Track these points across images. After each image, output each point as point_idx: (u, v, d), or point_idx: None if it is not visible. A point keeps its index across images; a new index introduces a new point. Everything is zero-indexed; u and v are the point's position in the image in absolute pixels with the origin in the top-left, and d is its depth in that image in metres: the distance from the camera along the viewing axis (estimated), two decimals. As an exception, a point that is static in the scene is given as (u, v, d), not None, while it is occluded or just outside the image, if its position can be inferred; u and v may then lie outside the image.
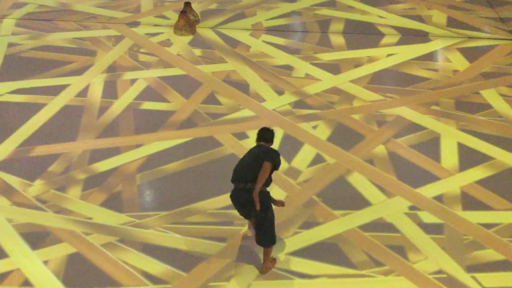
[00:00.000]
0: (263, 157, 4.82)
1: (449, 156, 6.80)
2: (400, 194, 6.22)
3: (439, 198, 6.18)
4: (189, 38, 9.18)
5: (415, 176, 6.49)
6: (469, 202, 6.16)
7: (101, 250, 5.53)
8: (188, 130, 7.13)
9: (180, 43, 9.03)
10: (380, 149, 6.88)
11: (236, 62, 8.57)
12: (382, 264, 5.44)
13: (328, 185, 6.34)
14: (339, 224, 5.84)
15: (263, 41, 9.16)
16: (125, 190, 6.26)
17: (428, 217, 5.93)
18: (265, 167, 4.77)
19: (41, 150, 6.81)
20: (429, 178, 6.47)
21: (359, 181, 6.38)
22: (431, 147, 6.95)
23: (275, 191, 6.20)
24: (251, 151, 5.06)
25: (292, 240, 5.66)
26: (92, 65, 8.43)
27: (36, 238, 5.64)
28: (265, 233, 5.04)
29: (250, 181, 4.88)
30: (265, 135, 5.05)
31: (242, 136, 7.00)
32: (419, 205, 6.08)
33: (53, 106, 7.55)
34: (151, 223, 5.83)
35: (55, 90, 7.86)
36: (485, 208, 6.10)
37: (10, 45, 8.93)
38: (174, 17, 9.64)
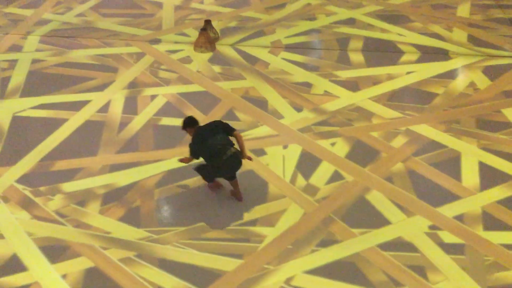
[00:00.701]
0: (230, 129, 5.95)
1: (470, 175, 6.71)
2: (420, 213, 6.15)
3: (459, 217, 6.09)
4: (208, 55, 9.27)
5: (435, 195, 6.40)
6: (490, 222, 6.05)
7: (119, 264, 5.55)
8: (207, 146, 7.15)
9: (200, 60, 9.12)
10: (399, 167, 6.82)
11: (255, 79, 8.61)
12: (401, 284, 5.36)
13: (346, 202, 6.29)
14: (357, 243, 5.78)
15: (282, 58, 9.20)
16: (144, 205, 6.29)
17: (448, 237, 5.84)
18: (239, 134, 5.96)
19: (62, 164, 6.90)
20: (450, 197, 6.38)
21: (378, 199, 6.32)
22: (452, 165, 6.87)
23: (293, 208, 6.18)
24: (204, 134, 5.88)
25: (309, 258, 5.61)
26: (113, 82, 8.55)
27: (55, 252, 5.69)
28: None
29: (229, 146, 5.86)
30: (194, 120, 6.08)
31: (260, 152, 7.00)
32: (440, 225, 5.99)
33: (74, 122, 7.66)
34: (168, 238, 5.84)
35: (77, 106, 7.98)
36: (507, 228, 5.99)
37: (34, 61, 9.11)
38: (194, 34, 9.75)
